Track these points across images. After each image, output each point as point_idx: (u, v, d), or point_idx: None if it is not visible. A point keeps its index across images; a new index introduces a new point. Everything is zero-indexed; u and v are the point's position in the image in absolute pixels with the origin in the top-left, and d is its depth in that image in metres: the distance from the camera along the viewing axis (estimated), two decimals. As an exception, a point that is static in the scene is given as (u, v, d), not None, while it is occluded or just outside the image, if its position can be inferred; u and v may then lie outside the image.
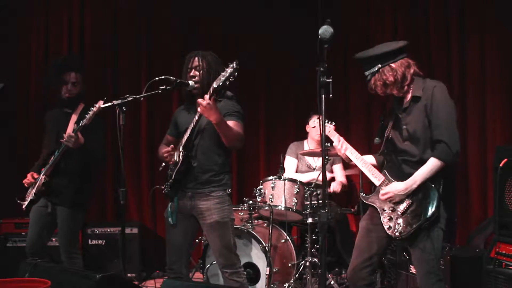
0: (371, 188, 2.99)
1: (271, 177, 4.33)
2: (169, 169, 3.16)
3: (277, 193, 4.24)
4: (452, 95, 4.31)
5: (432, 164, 2.73)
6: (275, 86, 5.68)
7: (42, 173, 3.61)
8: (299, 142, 5.01)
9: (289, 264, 4.16)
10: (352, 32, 5.44)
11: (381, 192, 2.86)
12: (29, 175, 3.69)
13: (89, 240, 4.90)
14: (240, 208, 4.32)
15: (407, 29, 4.92)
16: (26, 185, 3.69)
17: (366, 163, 2.97)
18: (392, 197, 2.81)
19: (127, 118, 3.00)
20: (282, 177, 4.29)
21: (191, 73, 3.11)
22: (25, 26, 5.43)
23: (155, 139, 5.40)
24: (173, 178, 3.10)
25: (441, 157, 2.71)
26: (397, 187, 2.80)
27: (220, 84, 2.88)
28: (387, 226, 2.82)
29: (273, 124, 5.67)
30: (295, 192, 4.23)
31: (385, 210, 2.85)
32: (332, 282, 4.33)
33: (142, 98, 3.08)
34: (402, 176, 2.83)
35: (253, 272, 4.00)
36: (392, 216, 2.82)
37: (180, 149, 3.07)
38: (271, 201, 4.21)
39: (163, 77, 3.04)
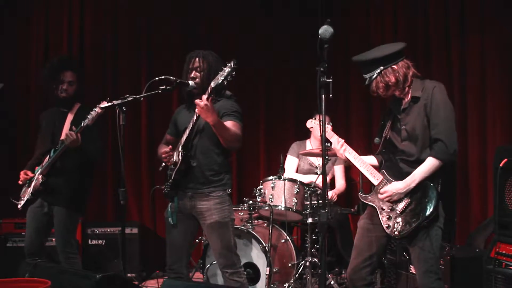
0: (371, 188, 2.99)
1: (271, 177, 4.33)
2: (169, 169, 3.15)
3: (277, 193, 4.24)
4: (452, 95, 4.35)
5: (430, 163, 2.75)
6: (275, 86, 5.68)
7: (39, 173, 3.59)
8: (301, 141, 5.01)
9: (289, 264, 4.16)
10: (352, 32, 5.44)
11: (380, 191, 2.87)
12: (22, 173, 3.68)
13: (89, 240, 4.90)
14: (240, 208, 4.32)
15: (407, 29, 4.91)
16: (21, 184, 3.69)
17: (364, 163, 2.99)
18: (390, 196, 2.82)
19: (127, 118, 3.00)
20: (282, 177, 4.29)
21: (192, 74, 3.11)
22: (25, 26, 5.42)
23: (155, 139, 5.39)
24: (172, 178, 3.10)
25: (439, 156, 2.74)
26: (395, 186, 2.82)
27: (218, 83, 2.89)
28: (386, 225, 2.84)
29: (273, 124, 5.67)
30: (295, 192, 4.23)
31: (384, 209, 2.87)
32: (332, 282, 4.33)
33: (142, 98, 3.08)
34: (400, 175, 2.84)
35: (253, 272, 4.00)
36: (391, 215, 2.84)
37: (180, 149, 3.07)
38: (271, 201, 4.21)
39: (163, 77, 3.04)
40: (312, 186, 4.35)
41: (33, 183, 3.59)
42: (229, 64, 2.90)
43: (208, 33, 5.60)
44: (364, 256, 2.91)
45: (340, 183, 4.89)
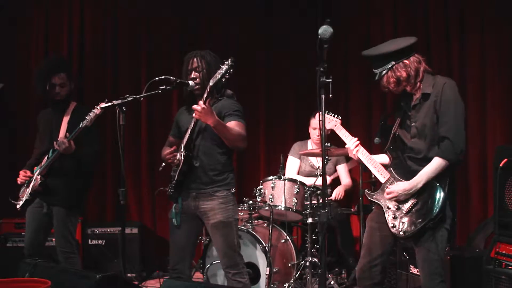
0: (371, 188, 2.98)
1: (271, 177, 4.33)
2: (172, 170, 3.14)
3: (277, 193, 4.24)
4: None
5: (436, 163, 2.71)
6: (275, 86, 5.68)
7: (37, 173, 3.59)
8: (302, 142, 5.01)
9: (289, 264, 4.16)
10: (352, 32, 5.44)
11: (386, 191, 2.84)
12: (21, 172, 3.68)
13: (89, 240, 4.90)
14: (240, 208, 4.31)
15: (407, 29, 4.91)
16: (20, 183, 3.69)
17: (371, 159, 2.93)
18: (397, 196, 2.79)
19: (127, 118, 3.00)
20: (282, 177, 4.29)
21: (192, 75, 3.10)
22: (25, 26, 5.42)
23: (155, 139, 5.40)
24: (176, 179, 3.09)
25: (445, 156, 2.70)
26: (402, 186, 2.78)
27: (216, 81, 2.89)
28: (392, 225, 2.80)
29: (273, 124, 5.67)
30: (295, 192, 4.23)
31: (390, 208, 2.83)
32: (332, 282, 4.33)
33: (142, 98, 3.08)
34: (408, 173, 2.80)
35: (253, 272, 4.00)
36: (396, 214, 2.80)
37: (182, 150, 3.06)
38: (271, 201, 4.21)
39: (163, 77, 3.03)
40: (312, 184, 4.35)
41: (31, 184, 3.59)
42: (227, 62, 2.90)
43: (208, 33, 5.60)
44: (373, 255, 2.87)
45: (346, 181, 4.89)
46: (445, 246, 2.78)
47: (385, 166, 2.93)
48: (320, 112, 2.54)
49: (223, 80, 2.90)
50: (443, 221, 2.73)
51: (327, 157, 4.22)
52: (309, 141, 4.97)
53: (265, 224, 4.31)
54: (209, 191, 3.09)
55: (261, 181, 4.41)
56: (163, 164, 3.21)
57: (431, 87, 2.79)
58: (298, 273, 4.18)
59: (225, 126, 2.98)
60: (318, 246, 4.26)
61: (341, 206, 4.85)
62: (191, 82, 3.07)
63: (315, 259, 4.17)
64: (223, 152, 3.12)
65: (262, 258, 3.99)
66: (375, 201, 2.92)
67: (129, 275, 4.78)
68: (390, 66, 2.79)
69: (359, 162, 3.01)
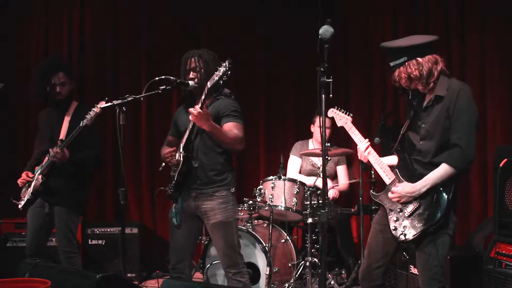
0: (371, 188, 2.98)
1: (271, 177, 4.33)
2: (172, 170, 3.14)
3: (277, 193, 4.24)
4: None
5: (443, 170, 2.66)
6: (275, 86, 5.68)
7: (39, 173, 3.59)
8: (304, 141, 5.01)
9: (289, 264, 4.16)
10: (352, 32, 5.43)
11: (390, 191, 2.82)
12: (23, 174, 3.68)
13: (89, 240, 4.90)
14: (240, 208, 4.31)
15: (407, 29, 4.90)
16: (20, 185, 3.69)
17: (379, 161, 2.89)
18: (399, 198, 2.76)
19: (127, 118, 3.00)
20: (282, 177, 4.29)
21: (190, 75, 3.09)
22: (25, 26, 5.42)
23: (155, 139, 5.40)
24: (175, 179, 3.09)
25: (453, 164, 2.64)
26: (405, 188, 2.74)
27: (214, 83, 2.91)
28: (393, 227, 2.77)
29: (273, 124, 5.67)
30: (295, 192, 4.23)
31: (393, 210, 2.80)
32: (332, 282, 4.33)
33: (142, 98, 3.08)
34: (413, 176, 2.76)
35: (253, 272, 3.99)
36: (398, 217, 2.77)
37: (181, 150, 3.06)
38: (271, 201, 4.21)
39: (163, 77, 3.03)
40: (313, 184, 4.35)
41: (33, 183, 3.59)
42: (224, 64, 2.91)
43: (208, 33, 5.60)
44: (376, 256, 2.85)
45: (343, 182, 4.89)
46: (446, 252, 2.72)
47: (392, 167, 2.89)
48: (320, 113, 2.53)
49: (221, 82, 2.92)
50: (445, 226, 2.68)
51: (328, 157, 4.23)
52: (310, 141, 4.97)
53: (265, 224, 4.31)
54: (209, 191, 3.08)
55: (261, 181, 4.41)
56: (163, 164, 3.21)
57: (445, 90, 2.72)
58: (298, 273, 4.18)
59: (221, 130, 2.97)
60: (318, 246, 4.26)
61: (341, 206, 4.85)
62: (191, 82, 3.07)
63: (315, 259, 4.17)
64: (222, 152, 3.12)
65: (262, 258, 3.99)
66: (379, 202, 2.90)
67: (129, 275, 4.78)
68: (402, 61, 2.72)
69: (360, 162, 3.00)
